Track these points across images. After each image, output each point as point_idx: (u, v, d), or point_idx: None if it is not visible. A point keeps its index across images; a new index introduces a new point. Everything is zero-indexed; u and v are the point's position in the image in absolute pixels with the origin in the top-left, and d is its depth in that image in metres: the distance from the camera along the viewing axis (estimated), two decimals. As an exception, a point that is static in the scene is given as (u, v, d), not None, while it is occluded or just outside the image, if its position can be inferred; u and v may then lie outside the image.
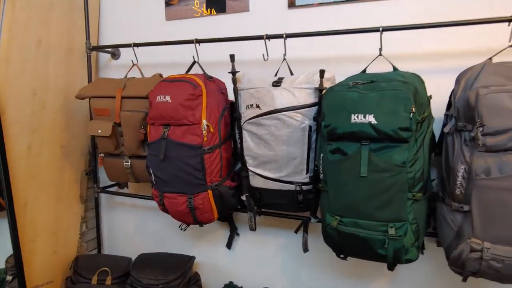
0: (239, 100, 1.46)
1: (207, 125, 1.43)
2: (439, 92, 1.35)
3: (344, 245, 1.24)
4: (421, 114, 1.12)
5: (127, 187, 2.06)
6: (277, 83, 1.38)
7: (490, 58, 1.18)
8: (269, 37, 1.49)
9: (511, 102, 0.96)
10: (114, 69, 2.08)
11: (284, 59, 1.49)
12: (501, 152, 0.98)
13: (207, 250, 1.99)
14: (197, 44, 1.62)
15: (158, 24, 1.92)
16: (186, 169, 1.44)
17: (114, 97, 1.66)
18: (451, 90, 1.28)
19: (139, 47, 1.79)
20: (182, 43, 1.66)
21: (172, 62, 1.92)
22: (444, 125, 1.23)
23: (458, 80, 1.20)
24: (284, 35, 1.46)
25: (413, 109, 1.07)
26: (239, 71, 1.45)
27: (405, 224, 1.14)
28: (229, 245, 1.91)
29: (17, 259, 1.63)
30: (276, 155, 1.38)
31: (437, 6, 1.40)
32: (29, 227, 1.69)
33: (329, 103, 1.19)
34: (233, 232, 1.88)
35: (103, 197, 2.18)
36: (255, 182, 1.48)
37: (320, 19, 1.58)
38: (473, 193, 1.03)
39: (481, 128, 0.99)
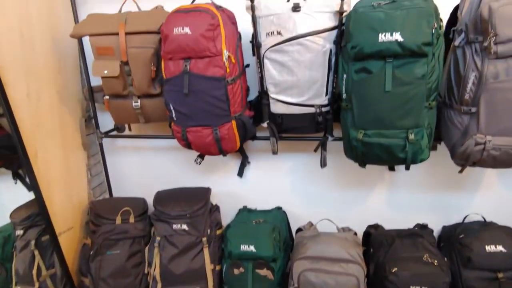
0: (258, 28, 1.47)
1: (229, 56, 1.44)
2: (440, 10, 1.47)
3: (368, 155, 1.41)
4: (440, 29, 1.25)
5: (130, 129, 2.04)
6: (296, 8, 1.40)
7: (493, -25, 1.30)
8: (280, -40, 1.46)
9: (521, 12, 1.11)
10: (95, 4, 1.90)
11: (296, -16, 1.49)
12: (509, 58, 1.16)
13: (219, 181, 2.10)
14: (200, -29, 1.54)
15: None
16: (211, 101, 1.47)
17: (116, 34, 1.57)
18: (451, 7, 1.42)
19: (131, -23, 1.65)
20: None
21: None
22: (450, 40, 1.38)
23: (463, -3, 1.33)
24: (297, -42, 1.44)
25: (435, 24, 1.20)
26: (257, -2, 1.44)
27: (421, 129, 1.32)
28: (240, 173, 2.03)
29: (42, 209, 1.62)
30: (298, 80, 1.46)
31: None
32: (44, 178, 1.65)
33: (356, 24, 1.26)
34: (245, 161, 2.00)
35: (104, 142, 2.13)
36: (277, 108, 1.57)
37: None
38: (482, 96, 1.23)
39: (494, 38, 1.15)
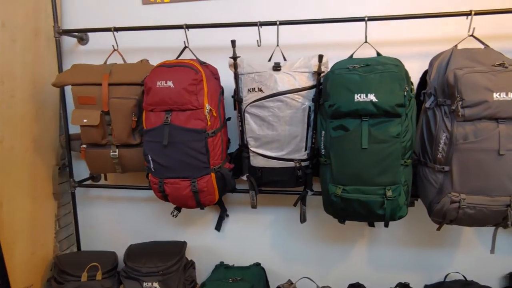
0: (240, 84, 1.52)
1: (210, 109, 1.47)
2: (411, 74, 1.57)
3: (347, 211, 1.40)
4: (411, 92, 1.32)
5: (106, 179, 1.98)
6: (276, 68, 1.47)
7: (456, 45, 1.43)
8: (262, 24, 1.56)
9: (483, 80, 1.21)
10: (82, 55, 1.95)
11: (277, 46, 1.58)
12: (476, 121, 1.23)
13: (196, 235, 2.02)
14: (184, 30, 1.62)
15: (132, 7, 1.85)
16: (191, 153, 1.46)
17: (99, 84, 1.59)
18: (420, 72, 1.52)
19: (118, 32, 1.71)
20: (170, 28, 1.65)
21: (148, 47, 1.87)
22: (421, 101, 1.46)
23: (431, 63, 1.43)
24: (278, 22, 1.55)
25: (406, 87, 1.27)
26: (240, 56, 1.50)
27: (399, 186, 1.34)
28: (218, 227, 1.97)
29: (0, 266, 1.49)
30: (279, 135, 1.49)
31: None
32: (7, 230, 1.54)
33: (333, 85, 1.33)
34: (223, 214, 1.94)
35: (77, 192, 2.04)
36: (257, 162, 1.57)
37: (302, 7, 1.70)
38: (454, 155, 1.27)
39: (461, 102, 1.22)
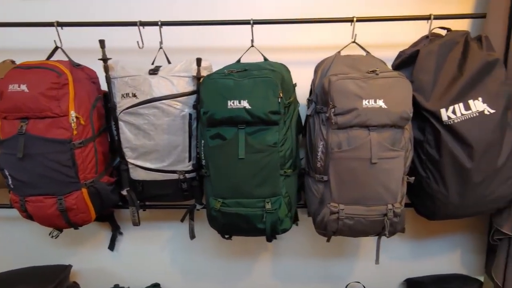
0: (113, 89, 1.38)
1: (76, 117, 1.30)
2: (303, 81, 1.51)
3: (228, 225, 1.31)
4: (288, 99, 1.26)
5: (-25, 197, 1.72)
6: (154, 71, 1.35)
7: (339, 52, 1.40)
8: (143, 24, 1.44)
9: (354, 86, 1.17)
10: None
11: (161, 48, 1.46)
12: (348, 129, 1.19)
13: (87, 255, 1.82)
14: (59, 28, 1.45)
15: (10, 1, 1.64)
16: (53, 166, 1.29)
17: None
18: (311, 79, 1.48)
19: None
20: (39, 26, 1.46)
21: (25, 48, 1.66)
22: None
23: (316, 70, 1.40)
24: (159, 23, 1.43)
25: (281, 94, 1.21)
26: (111, 58, 1.36)
27: (279, 198, 1.27)
28: (111, 246, 1.79)
29: None
30: (157, 144, 1.36)
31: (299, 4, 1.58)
32: None
33: (207, 91, 1.23)
34: (116, 232, 1.77)
35: None
36: (137, 174, 1.43)
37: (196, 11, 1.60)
38: (330, 164, 1.23)
39: (333, 109, 1.18)
